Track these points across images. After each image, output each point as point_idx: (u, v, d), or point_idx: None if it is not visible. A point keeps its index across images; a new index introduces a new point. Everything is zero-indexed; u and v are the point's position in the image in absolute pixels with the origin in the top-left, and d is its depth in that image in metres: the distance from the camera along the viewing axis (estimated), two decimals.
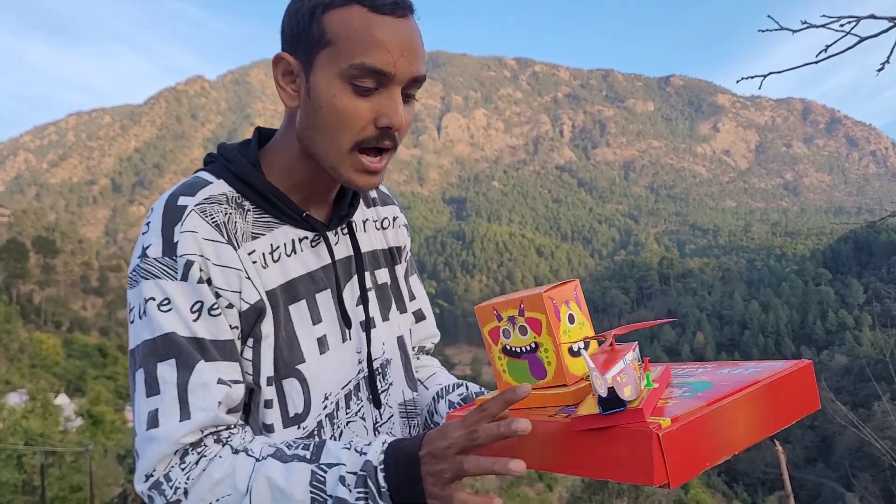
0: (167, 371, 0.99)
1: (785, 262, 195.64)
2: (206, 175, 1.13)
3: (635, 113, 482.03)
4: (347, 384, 1.18)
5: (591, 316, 0.96)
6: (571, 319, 0.98)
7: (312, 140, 1.08)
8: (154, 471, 0.97)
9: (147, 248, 1.03)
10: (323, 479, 0.93)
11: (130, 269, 1.04)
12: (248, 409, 1.11)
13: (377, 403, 1.21)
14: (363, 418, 1.19)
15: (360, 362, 1.20)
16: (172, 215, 1.04)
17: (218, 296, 1.03)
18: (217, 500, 0.96)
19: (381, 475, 0.91)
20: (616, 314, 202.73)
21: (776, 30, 2.61)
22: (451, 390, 1.34)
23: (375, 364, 1.22)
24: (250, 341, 1.08)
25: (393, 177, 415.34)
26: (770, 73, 2.68)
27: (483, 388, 1.33)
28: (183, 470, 0.96)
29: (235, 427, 1.03)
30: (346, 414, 1.17)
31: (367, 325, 1.21)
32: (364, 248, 1.27)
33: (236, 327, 1.06)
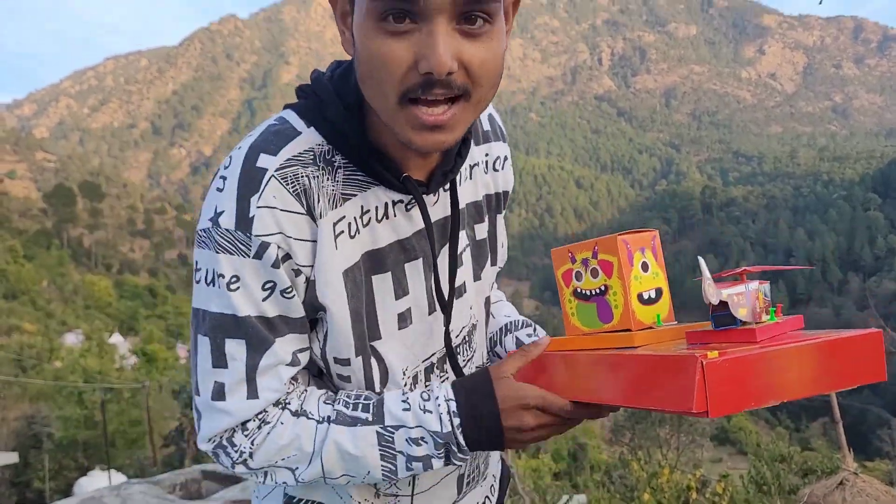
0: (236, 349, 0.93)
1: (832, 187, 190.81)
2: (294, 120, 0.96)
3: (677, 37, 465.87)
4: (430, 357, 1.07)
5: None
6: (645, 267, 0.97)
7: (366, 95, 0.89)
8: (216, 436, 0.96)
9: (220, 214, 0.91)
10: (391, 439, 0.94)
11: (201, 227, 0.93)
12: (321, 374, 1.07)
13: (459, 374, 1.09)
14: None
15: (446, 334, 1.07)
16: (250, 181, 0.90)
17: (298, 273, 0.94)
18: (283, 459, 0.96)
19: (460, 438, 0.94)
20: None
21: None
22: (519, 327, 1.27)
23: (462, 334, 1.12)
24: (322, 314, 0.98)
25: None
26: None
27: (543, 334, 1.26)
28: (246, 435, 0.95)
29: (292, 387, 1.00)
30: (426, 387, 1.06)
31: (452, 294, 1.05)
32: (467, 199, 1.10)
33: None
